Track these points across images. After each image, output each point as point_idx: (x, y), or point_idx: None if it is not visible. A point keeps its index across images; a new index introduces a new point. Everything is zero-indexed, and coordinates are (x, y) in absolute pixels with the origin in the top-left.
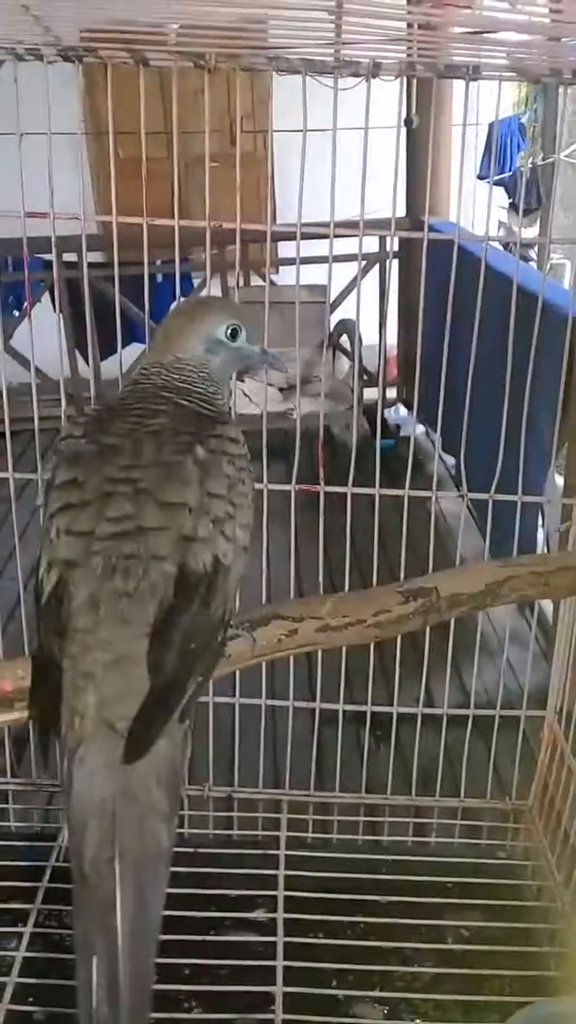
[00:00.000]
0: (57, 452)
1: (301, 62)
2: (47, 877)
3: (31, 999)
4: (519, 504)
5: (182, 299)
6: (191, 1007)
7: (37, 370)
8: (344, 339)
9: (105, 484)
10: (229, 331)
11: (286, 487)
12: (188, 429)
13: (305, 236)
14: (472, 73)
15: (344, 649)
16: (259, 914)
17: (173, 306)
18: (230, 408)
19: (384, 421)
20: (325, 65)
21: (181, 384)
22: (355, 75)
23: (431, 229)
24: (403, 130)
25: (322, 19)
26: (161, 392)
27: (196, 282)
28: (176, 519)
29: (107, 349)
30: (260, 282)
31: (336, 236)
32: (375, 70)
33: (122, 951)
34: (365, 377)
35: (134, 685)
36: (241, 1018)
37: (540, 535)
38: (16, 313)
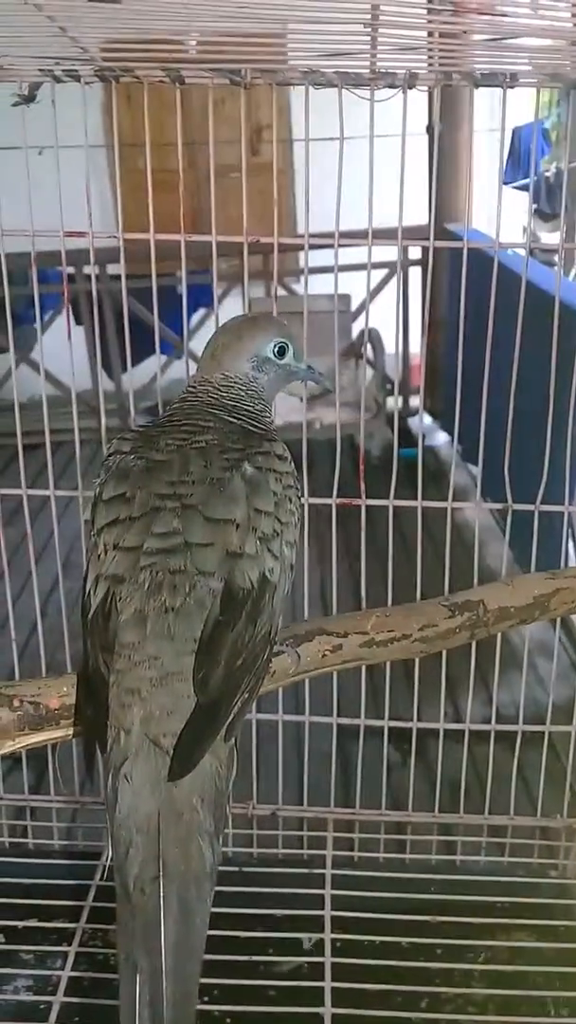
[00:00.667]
0: (105, 467)
1: (337, 75)
2: (91, 896)
3: (77, 1019)
4: (566, 516)
5: (230, 318)
6: None
7: (57, 382)
8: (368, 347)
9: (153, 499)
10: (277, 349)
11: (326, 501)
12: (236, 446)
13: (331, 245)
14: (509, 81)
15: (388, 665)
16: (305, 934)
17: (224, 323)
18: (274, 425)
19: (408, 430)
20: (361, 77)
21: (228, 402)
22: (391, 87)
23: (455, 236)
24: (431, 138)
25: (358, 31)
26: (209, 409)
27: (218, 294)
28: (223, 535)
29: (130, 361)
30: (282, 292)
31: (362, 245)
32: (412, 80)
33: (166, 970)
34: (389, 386)
35: (180, 701)
36: None
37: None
38: (37, 326)
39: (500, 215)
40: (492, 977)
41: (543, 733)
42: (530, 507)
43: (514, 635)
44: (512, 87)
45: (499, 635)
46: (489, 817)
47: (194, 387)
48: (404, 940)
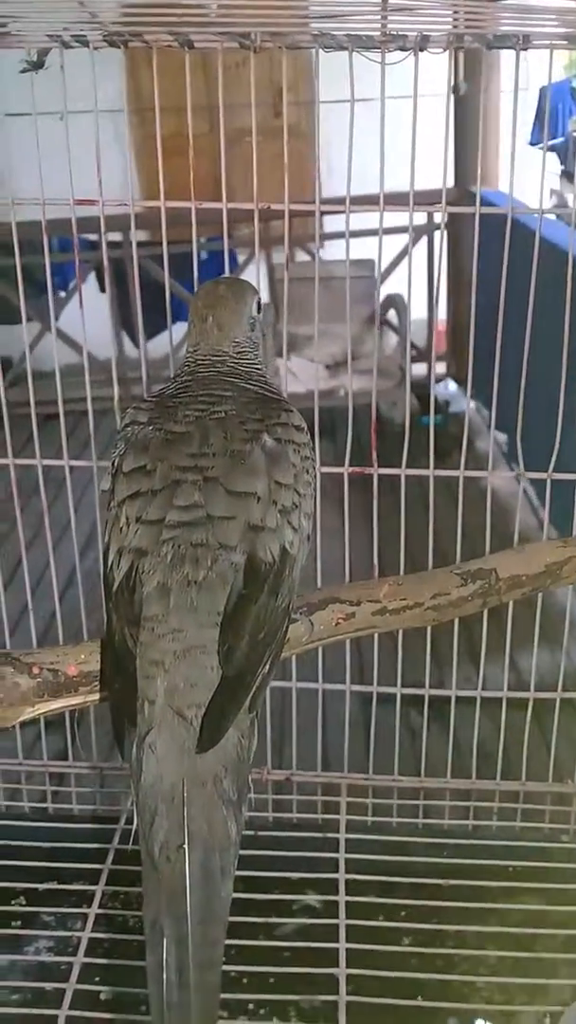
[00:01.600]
0: (124, 438)
1: (347, 38)
2: (110, 859)
3: (97, 979)
4: None
5: (206, 284)
6: (255, 989)
7: (80, 350)
8: (392, 314)
9: (174, 472)
10: (257, 304)
11: (338, 470)
12: (255, 416)
13: (354, 210)
14: (522, 43)
15: (401, 631)
16: (320, 897)
17: (203, 292)
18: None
19: (433, 397)
20: (372, 40)
21: (244, 369)
22: (402, 49)
23: (481, 200)
24: (451, 99)
25: None
26: (226, 378)
27: (241, 259)
28: (244, 508)
29: (152, 329)
30: (305, 257)
31: (375, 210)
32: (423, 43)
33: (192, 935)
34: (413, 352)
35: (204, 674)
36: (305, 999)
37: None
38: (63, 294)
39: (513, 174)
40: (504, 940)
41: (555, 700)
42: (543, 475)
43: (534, 602)
44: (525, 49)
45: (511, 604)
46: (501, 783)
47: (206, 358)
48: (417, 903)
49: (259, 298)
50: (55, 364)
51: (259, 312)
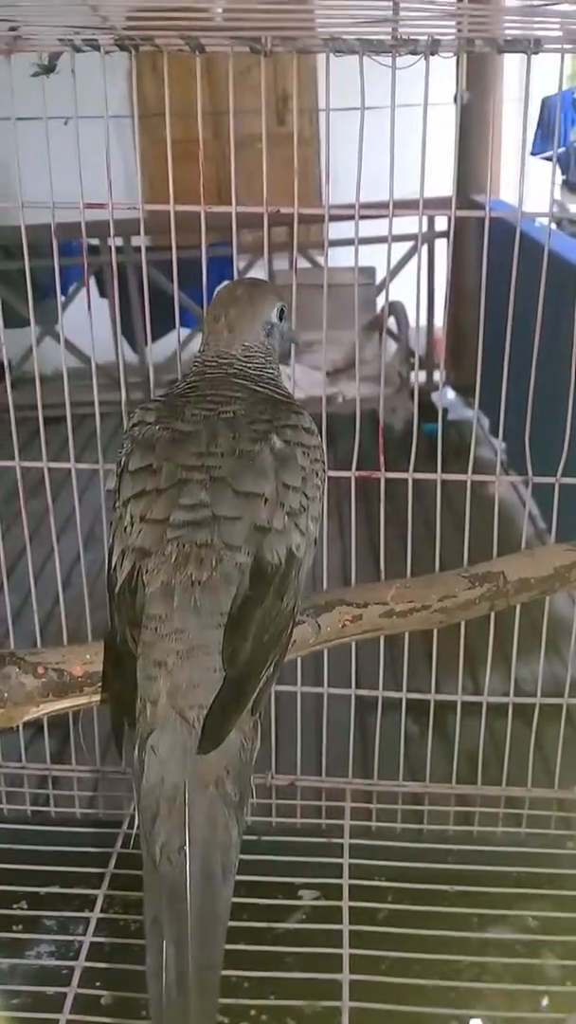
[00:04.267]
0: (130, 438)
1: (358, 42)
2: (112, 863)
3: (98, 983)
4: None
5: (226, 283)
6: (256, 994)
7: (81, 355)
8: (392, 321)
9: (180, 471)
10: (279, 312)
11: (346, 474)
12: (263, 417)
13: (363, 216)
14: (533, 47)
15: (407, 637)
16: (324, 902)
17: (221, 292)
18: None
19: (432, 405)
20: (383, 44)
21: (253, 371)
22: (413, 53)
23: (481, 207)
24: (457, 107)
25: None
26: (234, 379)
27: (242, 265)
28: (251, 509)
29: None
30: (305, 264)
31: (386, 217)
32: (434, 47)
33: (192, 938)
34: (413, 360)
35: (207, 675)
36: (308, 1005)
37: None
38: (63, 298)
39: (523, 182)
40: (508, 947)
41: (561, 706)
42: (551, 479)
43: (535, 610)
44: (536, 53)
45: (517, 610)
46: (507, 789)
47: (214, 360)
48: (421, 909)
49: (282, 305)
50: (63, 368)
51: (281, 319)
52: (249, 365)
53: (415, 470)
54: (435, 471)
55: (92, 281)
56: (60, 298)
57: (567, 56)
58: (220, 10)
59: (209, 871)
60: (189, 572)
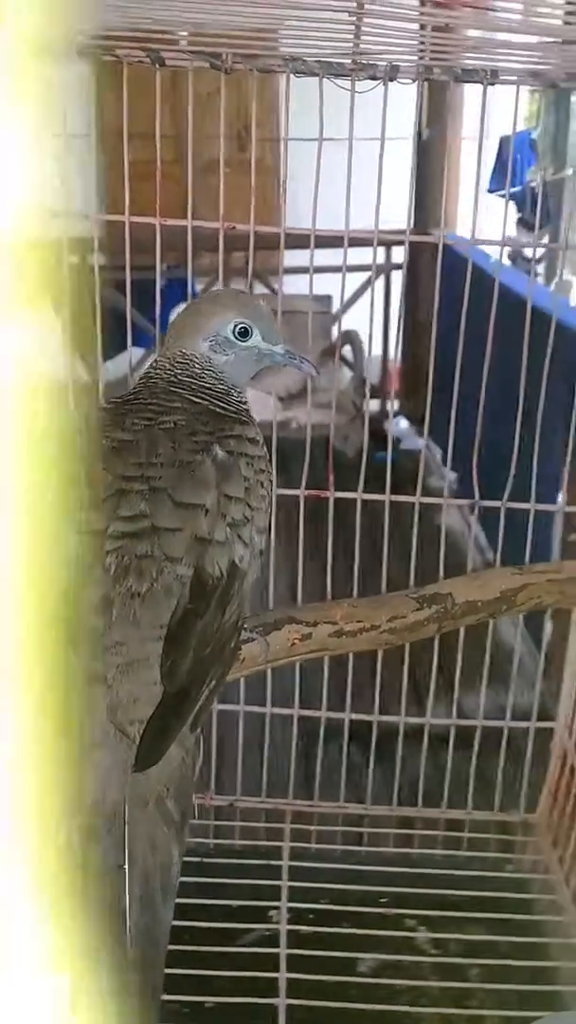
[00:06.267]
0: None
1: (318, 64)
2: None
3: None
4: (531, 513)
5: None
6: (194, 1019)
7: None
8: (347, 349)
9: (119, 481)
10: (237, 329)
11: (294, 492)
12: (206, 428)
13: (318, 246)
14: (490, 77)
15: (351, 658)
16: (262, 925)
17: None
18: (247, 408)
19: (384, 433)
20: (343, 67)
21: (187, 379)
22: (373, 78)
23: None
24: (416, 140)
25: (342, 20)
26: (171, 388)
27: (199, 287)
28: (191, 520)
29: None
30: (263, 289)
31: (338, 247)
32: (392, 73)
33: (132, 959)
34: (366, 389)
35: (146, 689)
36: None
37: (555, 547)
38: None
39: (476, 214)
40: (446, 970)
41: (502, 729)
42: (497, 503)
43: (480, 635)
44: (492, 84)
45: (461, 635)
46: (447, 811)
47: (155, 365)
48: (360, 932)
49: (242, 323)
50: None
51: (239, 337)
52: (183, 373)
53: (369, 493)
54: (384, 494)
55: None
56: None
57: (524, 97)
58: (185, 33)
59: (148, 891)
60: (128, 584)
